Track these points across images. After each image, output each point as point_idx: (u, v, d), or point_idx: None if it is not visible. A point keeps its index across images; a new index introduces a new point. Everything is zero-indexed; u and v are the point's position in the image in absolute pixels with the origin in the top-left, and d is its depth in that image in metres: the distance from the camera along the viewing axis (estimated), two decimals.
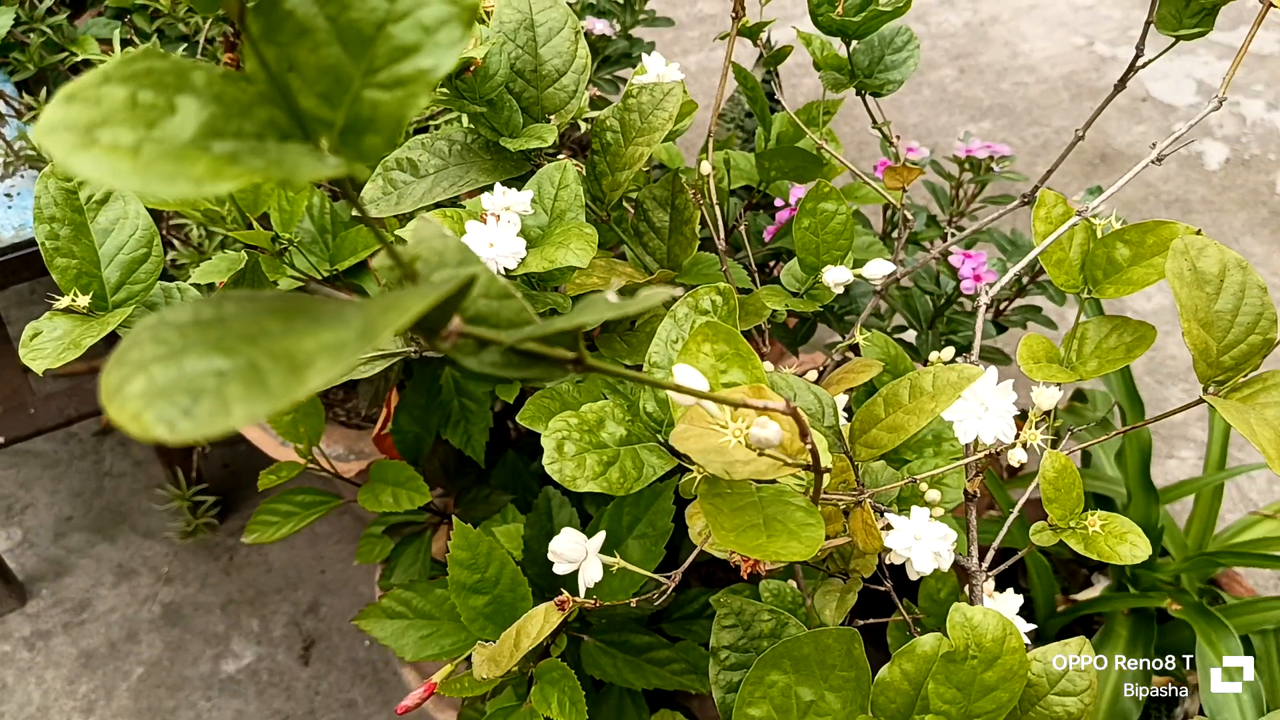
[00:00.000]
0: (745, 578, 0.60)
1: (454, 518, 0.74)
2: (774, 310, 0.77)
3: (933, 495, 0.70)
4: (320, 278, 0.93)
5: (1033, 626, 0.56)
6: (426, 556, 1.05)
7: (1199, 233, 0.58)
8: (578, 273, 0.77)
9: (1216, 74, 2.40)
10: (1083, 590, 1.29)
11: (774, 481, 0.47)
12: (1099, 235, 0.62)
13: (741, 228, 0.92)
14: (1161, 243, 0.59)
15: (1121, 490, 1.21)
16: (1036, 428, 0.52)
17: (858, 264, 0.77)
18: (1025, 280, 1.14)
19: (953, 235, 1.17)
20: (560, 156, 0.74)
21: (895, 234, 1.02)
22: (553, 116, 0.73)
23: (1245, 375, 0.56)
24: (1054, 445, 0.57)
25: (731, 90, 1.36)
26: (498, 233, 0.60)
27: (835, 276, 0.68)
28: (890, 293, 1.13)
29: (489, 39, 0.70)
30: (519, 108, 0.73)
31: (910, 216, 0.94)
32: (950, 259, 1.09)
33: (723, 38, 0.93)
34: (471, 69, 0.68)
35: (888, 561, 0.58)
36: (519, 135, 0.72)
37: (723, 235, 0.83)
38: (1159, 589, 1.17)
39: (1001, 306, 1.20)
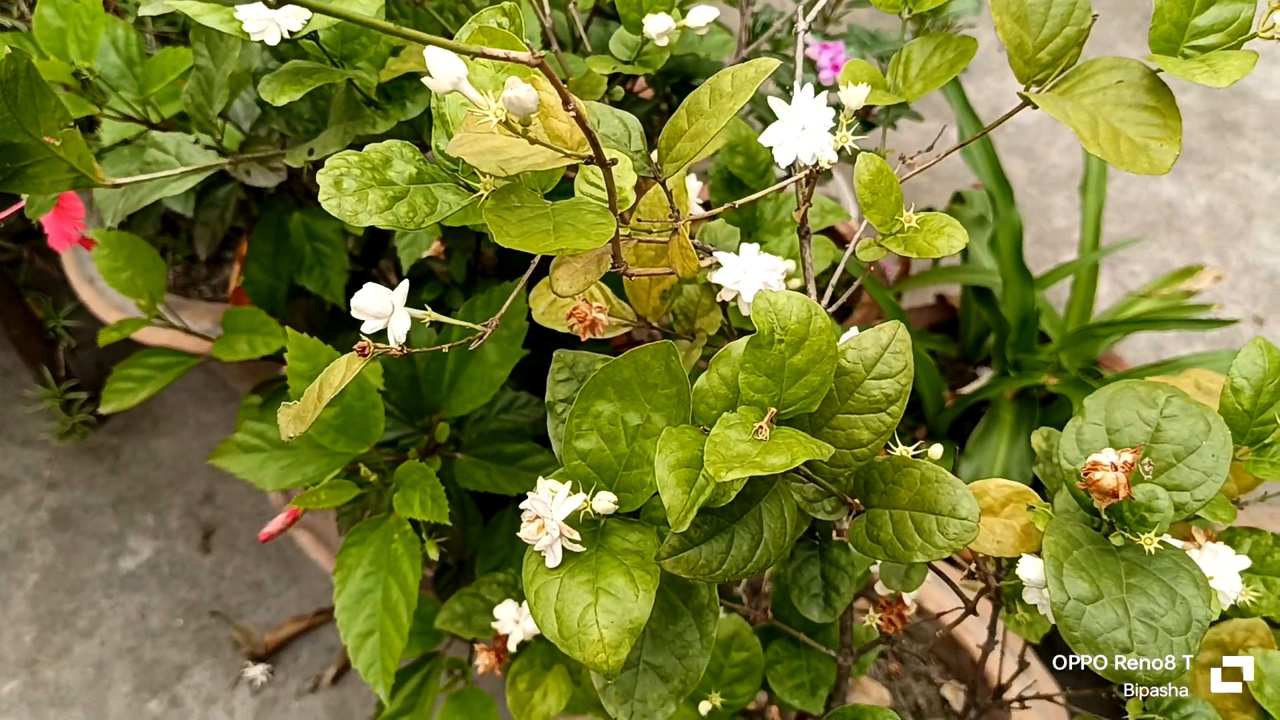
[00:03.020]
0: (582, 340, 0.57)
1: (287, 328, 0.71)
2: (612, 84, 0.74)
3: (789, 265, 0.68)
4: (136, 114, 0.87)
5: None
6: None
7: None
8: (392, 60, 0.72)
9: None
10: (969, 385, 1.31)
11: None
12: None
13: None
14: None
15: (999, 280, 1.22)
16: (848, 129, 0.50)
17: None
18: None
19: (820, 39, 1.14)
20: None
21: (756, 40, 0.99)
22: None
23: (1062, 70, 0.55)
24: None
25: None
26: None
27: (656, 25, 0.64)
28: (754, 97, 1.10)
29: None
30: None
31: None
32: (808, 51, 1.06)
33: None
34: None
35: (719, 299, 0.56)
36: None
37: (583, 35, 0.79)
38: (1040, 371, 1.19)
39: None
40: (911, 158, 0.66)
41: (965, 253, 1.32)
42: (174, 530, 1.47)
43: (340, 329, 1.13)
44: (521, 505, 0.46)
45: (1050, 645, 1.06)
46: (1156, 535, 0.44)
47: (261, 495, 1.49)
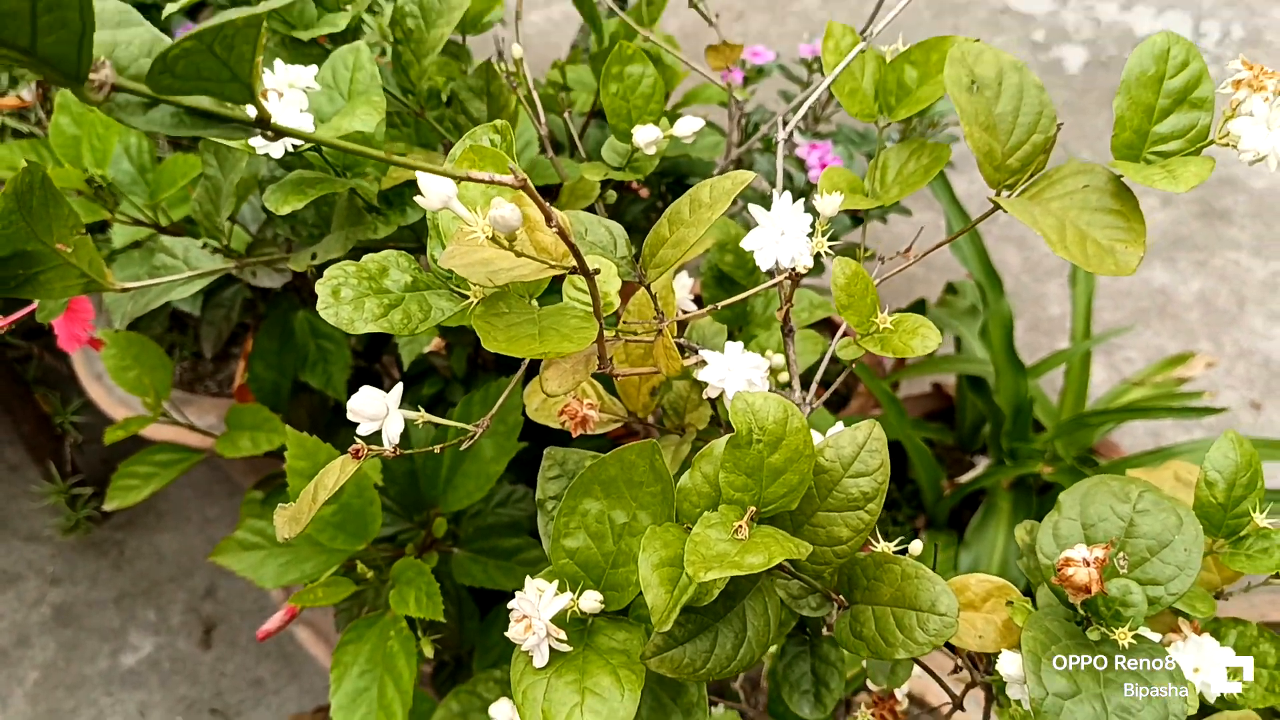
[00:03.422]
0: (574, 436, 0.59)
1: (287, 425, 0.72)
2: (605, 188, 0.76)
3: (777, 360, 0.70)
4: (146, 219, 0.90)
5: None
6: None
7: (977, 41, 0.59)
8: (393, 170, 0.76)
9: None
10: (967, 473, 1.31)
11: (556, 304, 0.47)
12: (888, 61, 0.62)
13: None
14: (945, 58, 0.60)
15: (991, 369, 1.23)
16: (824, 236, 0.52)
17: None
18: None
19: (809, 138, 1.18)
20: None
21: (748, 140, 1.02)
22: (349, 5, 0.72)
23: (1030, 175, 0.57)
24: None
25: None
26: (280, 109, 0.58)
27: (644, 136, 0.67)
28: (744, 194, 1.13)
29: None
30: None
31: (739, 99, 0.94)
32: (798, 151, 1.10)
33: None
34: None
35: (705, 396, 0.58)
36: (313, 25, 0.69)
37: (576, 141, 0.82)
38: (1036, 460, 1.20)
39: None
40: (891, 257, 0.68)
41: (959, 342, 1.34)
42: (175, 626, 1.47)
43: (343, 424, 1.15)
44: (509, 605, 0.47)
45: None
46: (1130, 630, 0.45)
47: (263, 589, 1.49)
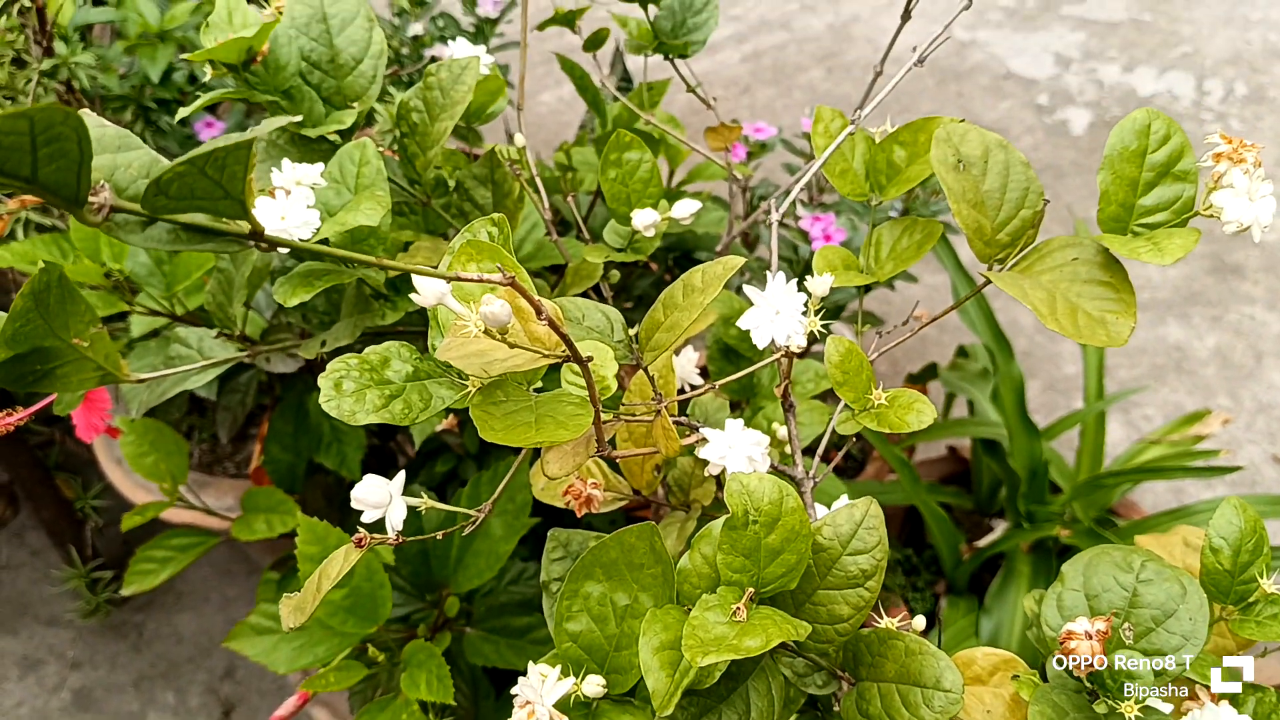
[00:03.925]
0: (579, 516, 0.60)
1: (299, 509, 0.73)
2: (608, 269, 0.78)
3: (782, 432, 0.71)
4: (163, 309, 0.92)
5: None
6: None
7: (963, 121, 0.60)
8: (401, 256, 0.77)
9: (1072, 45, 2.50)
10: (985, 537, 1.30)
11: (542, 389, 0.48)
12: (878, 142, 0.64)
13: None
14: (931, 138, 0.61)
15: (1005, 433, 1.23)
16: (817, 314, 0.53)
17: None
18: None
19: (813, 209, 1.20)
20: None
21: (753, 214, 1.04)
22: (355, 104, 0.74)
23: (1020, 249, 0.58)
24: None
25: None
26: (288, 206, 0.60)
27: (643, 220, 0.69)
28: (749, 265, 1.15)
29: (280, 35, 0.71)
30: (320, 98, 0.74)
31: (740, 176, 0.96)
32: (801, 223, 1.11)
33: (541, 27, 0.95)
34: (259, 59, 0.68)
35: (707, 473, 0.59)
36: (321, 124, 0.72)
37: (580, 223, 0.84)
38: (1054, 522, 1.19)
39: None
40: (893, 329, 0.69)
41: (971, 406, 1.34)
42: (194, 708, 1.46)
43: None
44: (513, 690, 0.47)
45: None
46: (1138, 704, 0.44)
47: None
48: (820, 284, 0.53)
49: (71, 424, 0.86)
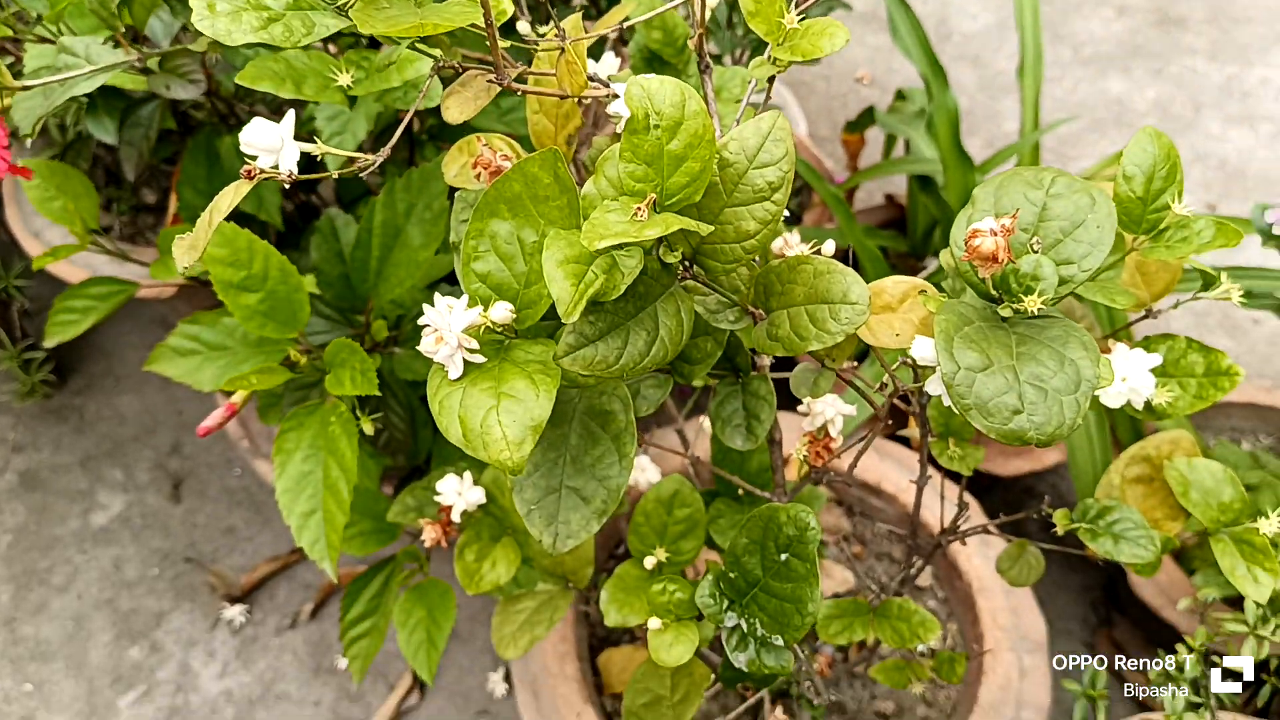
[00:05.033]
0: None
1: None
2: None
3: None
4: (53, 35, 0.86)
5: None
6: None
7: None
8: None
9: None
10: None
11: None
12: None
13: None
14: None
15: (940, 168, 1.22)
16: None
17: None
18: None
19: None
20: None
21: None
22: None
23: None
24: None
25: None
26: None
27: None
28: None
29: None
30: None
31: None
32: None
33: None
34: None
35: (617, 130, 0.57)
36: None
37: None
38: None
39: None
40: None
41: (908, 144, 1.32)
42: (143, 483, 1.48)
43: (283, 249, 1.13)
44: (420, 320, 0.47)
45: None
46: (1040, 298, 0.44)
47: (228, 443, 1.50)
48: None
49: None
